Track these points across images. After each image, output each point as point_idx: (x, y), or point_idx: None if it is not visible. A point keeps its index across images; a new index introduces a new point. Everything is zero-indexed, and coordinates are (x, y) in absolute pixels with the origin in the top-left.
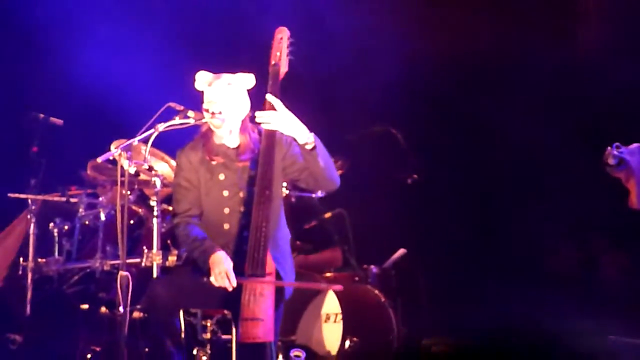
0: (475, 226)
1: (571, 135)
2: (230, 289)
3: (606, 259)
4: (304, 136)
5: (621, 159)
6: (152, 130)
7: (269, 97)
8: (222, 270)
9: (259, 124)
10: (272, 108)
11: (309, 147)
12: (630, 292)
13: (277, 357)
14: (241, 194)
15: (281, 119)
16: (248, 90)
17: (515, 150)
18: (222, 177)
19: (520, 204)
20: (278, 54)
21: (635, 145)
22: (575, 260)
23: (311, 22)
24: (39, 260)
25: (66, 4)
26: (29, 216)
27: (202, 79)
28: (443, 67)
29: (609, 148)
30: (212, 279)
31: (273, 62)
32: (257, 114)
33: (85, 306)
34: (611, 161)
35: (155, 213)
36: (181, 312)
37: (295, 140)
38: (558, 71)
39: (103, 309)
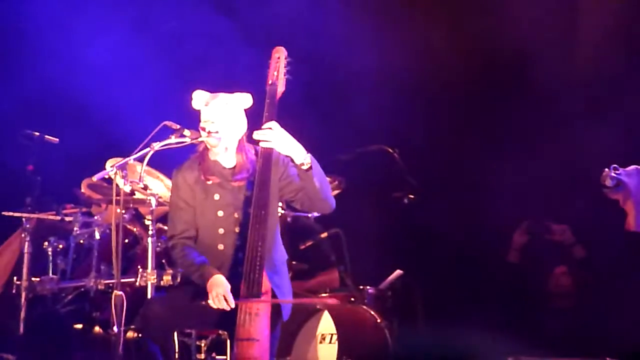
0: (473, 247)
1: (559, 165)
2: (228, 310)
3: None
4: (301, 156)
5: (619, 180)
6: (147, 149)
7: (265, 125)
8: (219, 293)
9: (256, 143)
10: (269, 127)
11: (305, 167)
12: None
13: None
14: (236, 215)
15: (278, 138)
16: (245, 110)
17: (512, 171)
18: (217, 197)
19: (516, 224)
20: (275, 73)
21: (633, 167)
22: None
23: (307, 41)
24: (33, 279)
25: (62, 20)
26: (23, 235)
27: (199, 98)
28: (442, 87)
29: (606, 170)
30: (209, 301)
31: (270, 82)
32: (255, 132)
33: (79, 326)
34: (609, 183)
35: (150, 232)
36: (175, 333)
37: (291, 160)
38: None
39: (97, 329)
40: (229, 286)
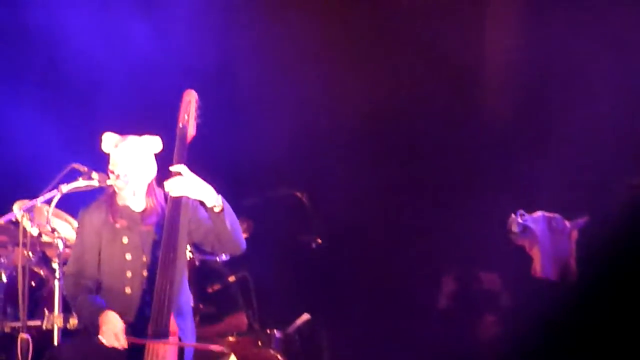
0: (380, 292)
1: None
2: (120, 349)
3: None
4: (212, 199)
5: (525, 226)
6: (55, 192)
7: (174, 167)
8: (110, 329)
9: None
10: (179, 174)
11: (217, 209)
12: None
13: None
14: (144, 258)
15: (188, 185)
16: (155, 153)
17: (420, 216)
18: (125, 240)
19: (423, 271)
20: (186, 116)
21: (539, 213)
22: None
23: (216, 84)
24: None
25: None
26: None
27: (109, 141)
28: (349, 131)
29: (513, 215)
30: (100, 337)
31: (180, 125)
32: (165, 183)
33: None
34: (515, 228)
35: (57, 275)
36: None
37: (202, 203)
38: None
39: None
40: (122, 324)
